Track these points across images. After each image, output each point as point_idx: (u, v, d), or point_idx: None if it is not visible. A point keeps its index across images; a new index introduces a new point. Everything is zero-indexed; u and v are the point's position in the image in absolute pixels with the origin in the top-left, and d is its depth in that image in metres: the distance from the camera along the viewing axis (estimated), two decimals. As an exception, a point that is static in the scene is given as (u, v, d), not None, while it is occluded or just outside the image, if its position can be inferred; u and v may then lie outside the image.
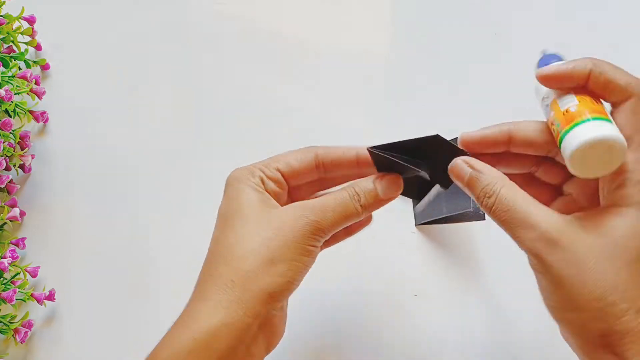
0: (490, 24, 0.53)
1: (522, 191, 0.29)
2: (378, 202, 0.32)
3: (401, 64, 0.52)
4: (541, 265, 0.28)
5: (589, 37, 0.52)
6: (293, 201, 0.33)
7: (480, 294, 0.45)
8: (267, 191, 0.32)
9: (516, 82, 0.51)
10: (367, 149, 0.32)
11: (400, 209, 0.46)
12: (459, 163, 0.31)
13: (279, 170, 0.33)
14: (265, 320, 0.30)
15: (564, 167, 0.30)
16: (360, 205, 0.31)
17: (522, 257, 0.45)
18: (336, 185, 0.35)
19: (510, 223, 0.28)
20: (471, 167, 0.30)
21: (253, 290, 0.29)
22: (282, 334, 0.32)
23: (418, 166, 0.32)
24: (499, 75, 0.51)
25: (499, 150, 0.32)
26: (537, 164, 0.33)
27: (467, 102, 0.50)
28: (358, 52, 0.53)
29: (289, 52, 0.53)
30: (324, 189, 0.36)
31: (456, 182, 0.31)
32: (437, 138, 0.31)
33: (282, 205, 0.32)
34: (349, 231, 0.36)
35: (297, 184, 0.34)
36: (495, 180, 0.29)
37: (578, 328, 0.27)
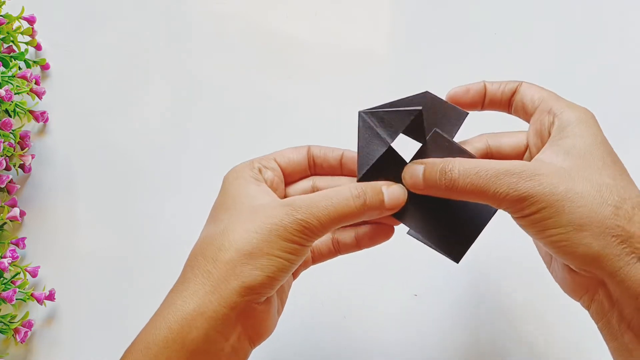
0: (490, 23, 0.53)
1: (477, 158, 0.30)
2: (381, 207, 0.31)
3: (401, 64, 0.52)
4: (530, 205, 0.27)
5: (589, 36, 0.52)
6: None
7: (480, 294, 0.45)
8: (265, 181, 0.33)
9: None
10: (359, 112, 0.32)
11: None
12: (408, 167, 0.31)
13: (275, 161, 0.34)
14: (245, 312, 0.29)
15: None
16: (363, 204, 0.30)
17: (523, 256, 0.46)
18: (328, 183, 0.35)
19: (482, 182, 0.28)
20: (420, 163, 0.31)
21: (227, 279, 0.29)
22: (269, 329, 0.32)
23: (409, 112, 0.32)
24: (498, 75, 0.51)
25: (477, 107, 0.35)
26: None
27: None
28: (358, 52, 0.53)
29: (289, 52, 0.53)
30: (316, 189, 0.35)
31: (414, 189, 0.31)
32: (426, 95, 0.33)
33: (279, 197, 0.32)
34: (359, 243, 0.35)
35: (293, 179, 0.35)
36: (446, 159, 0.30)
37: (595, 245, 0.26)
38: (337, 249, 0.35)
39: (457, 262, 0.32)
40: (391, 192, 0.31)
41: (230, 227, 0.30)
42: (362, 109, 0.33)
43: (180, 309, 0.29)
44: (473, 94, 0.34)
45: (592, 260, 0.27)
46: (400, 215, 0.32)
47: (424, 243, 0.34)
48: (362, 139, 0.32)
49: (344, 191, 0.30)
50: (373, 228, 0.34)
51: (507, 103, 0.34)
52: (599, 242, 0.26)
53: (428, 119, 0.32)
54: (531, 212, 0.28)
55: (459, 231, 0.32)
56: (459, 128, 0.34)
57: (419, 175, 0.31)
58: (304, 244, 0.30)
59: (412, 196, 0.32)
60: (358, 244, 0.35)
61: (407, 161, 0.33)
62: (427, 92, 0.33)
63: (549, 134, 0.31)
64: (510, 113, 0.34)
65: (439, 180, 0.29)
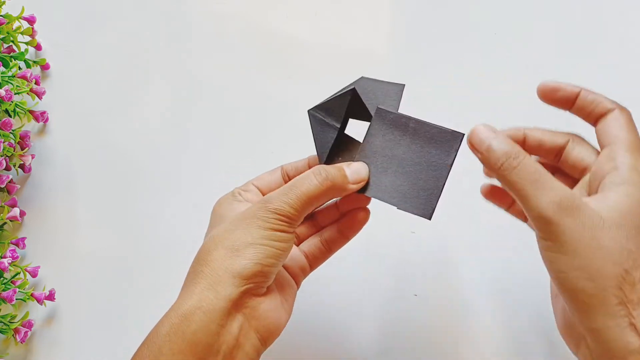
0: (490, 23, 0.53)
1: None
2: (344, 182, 0.33)
3: (401, 64, 0.52)
4: (555, 232, 0.28)
5: (589, 36, 0.52)
6: None
7: (480, 294, 0.45)
8: (246, 200, 0.36)
9: (516, 82, 0.51)
10: (307, 111, 0.36)
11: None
12: (481, 129, 0.31)
13: (254, 185, 0.37)
14: (243, 303, 0.31)
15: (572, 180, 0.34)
16: (325, 178, 0.33)
17: (522, 255, 0.46)
18: None
19: (534, 184, 0.29)
20: (493, 131, 0.31)
21: (220, 275, 0.30)
22: (276, 325, 0.33)
23: (345, 94, 0.35)
24: (498, 75, 0.51)
25: (564, 108, 0.34)
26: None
27: (467, 101, 0.50)
28: (358, 52, 0.53)
29: (289, 52, 0.53)
30: None
31: (473, 148, 0.31)
32: (362, 79, 0.36)
33: None
34: (344, 234, 0.37)
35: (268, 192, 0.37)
36: (518, 148, 0.30)
37: (594, 298, 0.27)
38: (328, 248, 0.37)
39: (430, 219, 0.33)
40: (353, 168, 0.34)
41: (217, 234, 0.32)
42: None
43: (180, 307, 0.30)
44: (562, 94, 0.34)
45: (586, 310, 0.28)
46: (364, 189, 0.35)
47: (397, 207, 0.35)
48: (316, 133, 0.36)
49: (307, 174, 0.33)
50: (350, 213, 0.37)
51: (594, 120, 0.33)
52: (598, 296, 0.27)
53: (370, 100, 0.36)
54: (552, 239, 0.28)
55: (423, 190, 0.34)
56: (399, 100, 0.36)
57: (484, 142, 0.31)
58: (284, 229, 0.32)
59: (371, 170, 0.35)
60: (343, 234, 0.37)
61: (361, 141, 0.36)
62: (362, 77, 0.36)
63: (602, 184, 0.31)
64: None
65: (499, 157, 0.30)
